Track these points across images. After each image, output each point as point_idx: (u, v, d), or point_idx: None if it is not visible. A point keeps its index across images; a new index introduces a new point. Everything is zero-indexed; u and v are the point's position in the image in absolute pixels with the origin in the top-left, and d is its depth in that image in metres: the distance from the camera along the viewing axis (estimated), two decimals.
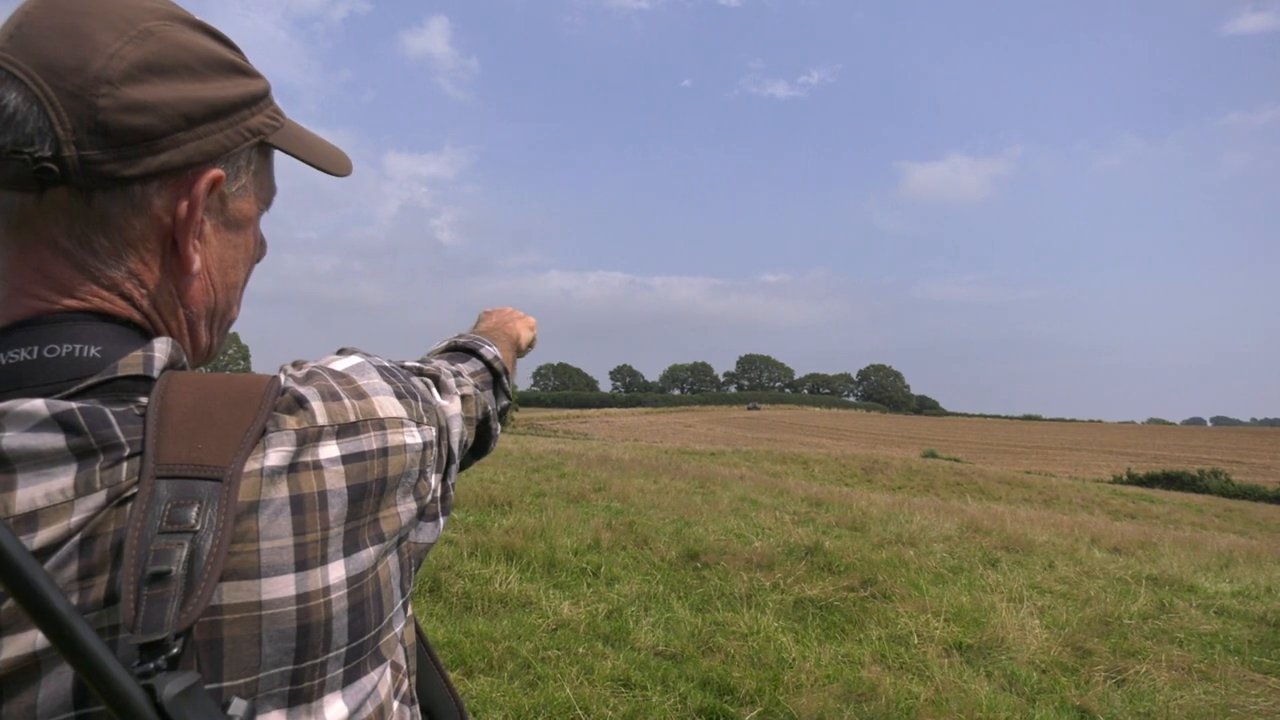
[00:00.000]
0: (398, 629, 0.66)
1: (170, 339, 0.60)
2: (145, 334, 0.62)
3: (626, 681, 4.19)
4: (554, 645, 4.60)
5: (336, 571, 0.57)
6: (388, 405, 0.64)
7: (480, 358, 0.99)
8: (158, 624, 0.46)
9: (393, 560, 0.63)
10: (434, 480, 0.69)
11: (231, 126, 0.63)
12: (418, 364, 0.83)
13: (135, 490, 0.51)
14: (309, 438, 0.57)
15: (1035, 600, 6.28)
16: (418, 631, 0.77)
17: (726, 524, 8.85)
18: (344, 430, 0.60)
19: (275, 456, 0.55)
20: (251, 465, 0.54)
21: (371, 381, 0.65)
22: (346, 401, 0.61)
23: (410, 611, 0.73)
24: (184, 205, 0.61)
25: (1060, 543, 9.15)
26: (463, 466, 0.95)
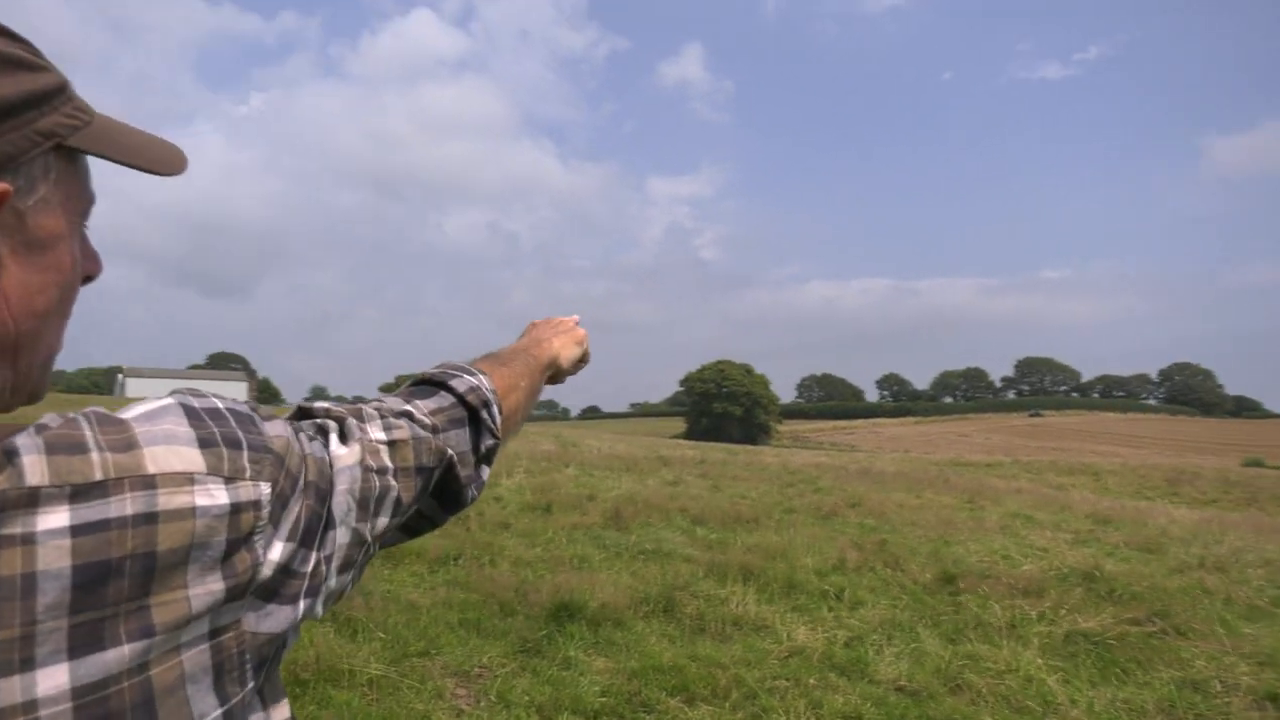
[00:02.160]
0: None
1: None
2: None
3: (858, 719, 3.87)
4: (784, 674, 4.36)
5: (52, 679, 0.43)
6: (169, 458, 0.50)
7: (450, 391, 0.80)
8: None
9: (193, 659, 0.50)
10: (277, 551, 0.55)
11: (15, 131, 0.52)
12: (326, 405, 0.69)
13: None
14: (10, 503, 0.44)
15: None
16: None
17: (992, 544, 8.05)
18: (81, 493, 0.46)
19: None
20: None
21: (158, 428, 0.51)
22: (95, 455, 0.47)
23: None
24: None
25: None
26: (432, 525, 0.81)
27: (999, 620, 5.35)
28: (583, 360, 1.10)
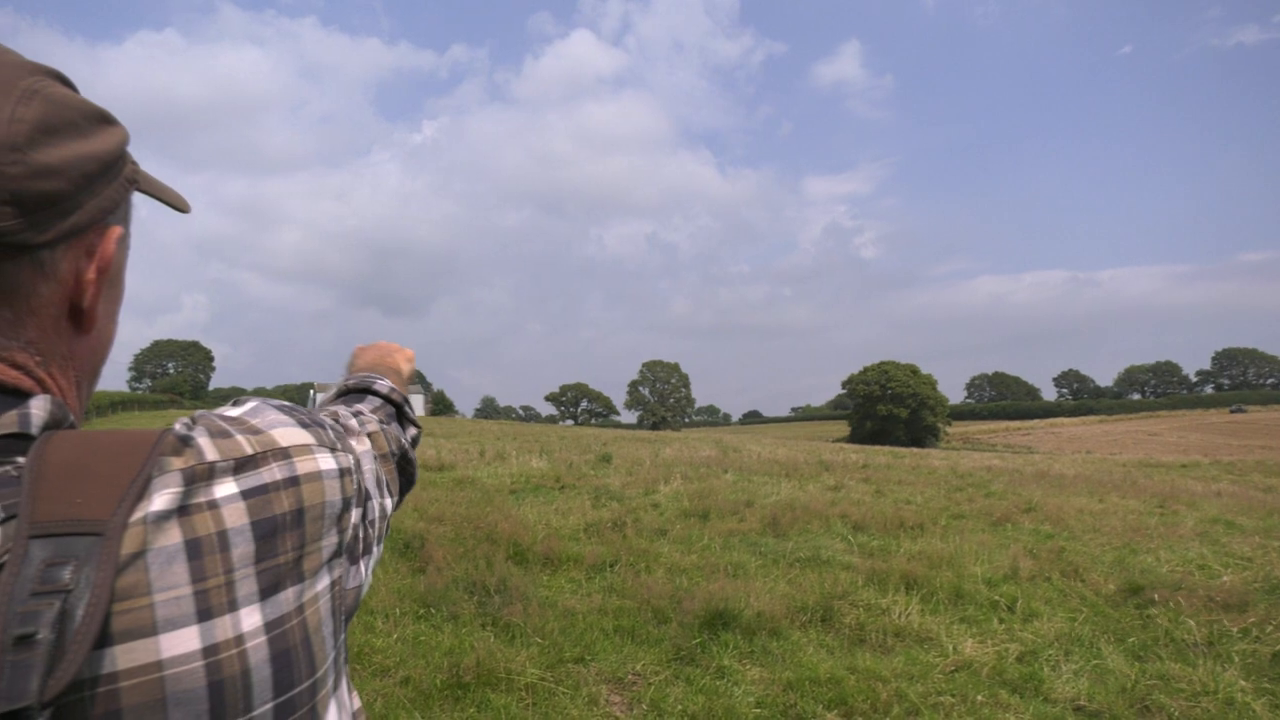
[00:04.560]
0: (340, 690, 0.60)
1: (49, 396, 0.57)
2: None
3: None
4: (949, 690, 4.13)
5: (251, 618, 0.52)
6: (290, 434, 0.60)
7: (375, 393, 0.95)
8: (21, 692, 0.42)
9: (324, 604, 0.58)
10: (354, 515, 0.64)
11: (117, 179, 0.61)
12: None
13: (9, 555, 0.48)
14: (199, 476, 0.53)
15: None
16: None
17: (1187, 552, 7.32)
18: (241, 465, 0.55)
19: (161, 501, 0.50)
20: (136, 515, 0.49)
21: (268, 417, 0.61)
22: (240, 437, 0.57)
23: (353, 692, 0.65)
24: (92, 267, 0.59)
25: None
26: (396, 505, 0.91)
27: (1194, 636, 4.84)
28: (411, 376, 1.18)
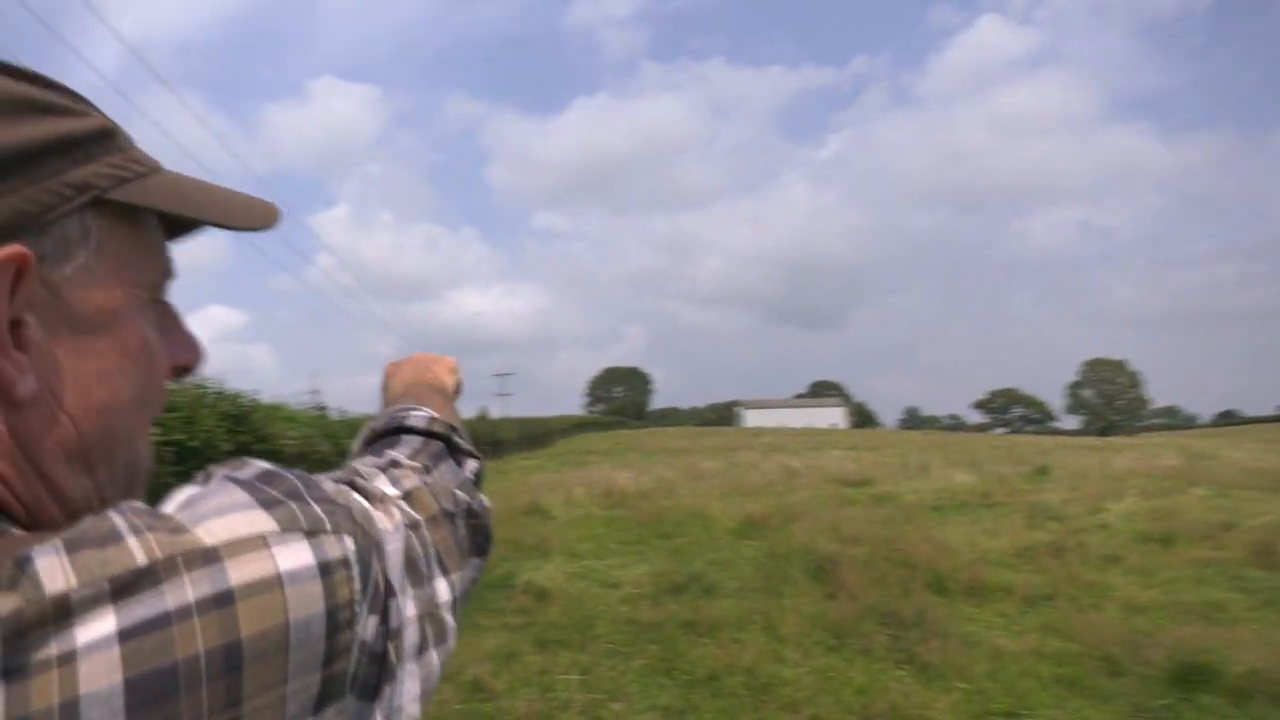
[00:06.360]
0: None
1: None
2: None
3: None
4: None
5: None
6: (233, 523, 0.38)
7: (411, 430, 0.68)
8: None
9: None
10: (370, 627, 0.42)
11: (33, 184, 0.42)
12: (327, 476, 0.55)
13: None
14: (34, 623, 0.32)
15: None
16: None
17: None
18: (125, 587, 0.33)
19: None
20: None
21: (214, 502, 0.39)
22: (133, 540, 0.35)
23: None
24: None
25: None
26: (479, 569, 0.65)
27: None
28: (458, 389, 0.94)
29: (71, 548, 0.34)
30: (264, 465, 0.44)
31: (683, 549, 7.92)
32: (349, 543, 0.41)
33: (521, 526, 9.04)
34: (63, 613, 0.32)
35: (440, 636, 0.51)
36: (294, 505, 0.40)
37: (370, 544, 0.44)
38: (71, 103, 0.47)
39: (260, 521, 0.38)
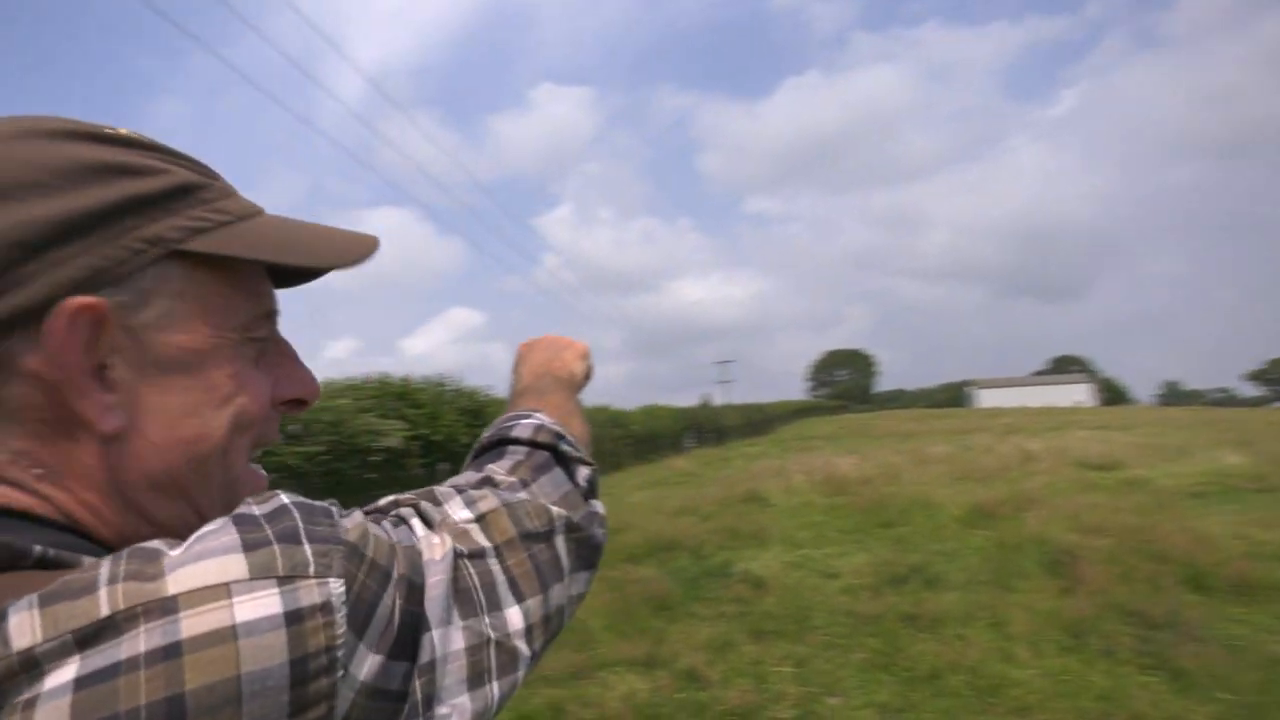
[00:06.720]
0: None
1: None
2: (45, 522, 0.47)
3: None
4: None
5: None
6: (202, 571, 0.38)
7: (515, 442, 0.68)
8: None
9: None
10: (365, 667, 0.41)
11: (109, 243, 0.47)
12: (394, 497, 0.58)
13: None
14: (4, 677, 0.35)
15: None
16: None
17: None
18: (87, 638, 0.35)
19: None
20: None
21: (205, 544, 0.40)
22: (103, 591, 0.37)
23: None
24: (38, 358, 0.45)
25: None
26: (579, 598, 0.63)
27: None
28: (588, 376, 0.93)
29: (46, 601, 0.36)
30: (281, 500, 0.45)
31: (905, 538, 7.62)
32: (334, 586, 0.41)
33: (739, 514, 9.10)
34: (30, 665, 0.35)
35: (508, 666, 0.51)
36: (278, 548, 0.41)
37: (383, 581, 0.44)
38: (155, 161, 0.51)
39: (232, 568, 0.39)
